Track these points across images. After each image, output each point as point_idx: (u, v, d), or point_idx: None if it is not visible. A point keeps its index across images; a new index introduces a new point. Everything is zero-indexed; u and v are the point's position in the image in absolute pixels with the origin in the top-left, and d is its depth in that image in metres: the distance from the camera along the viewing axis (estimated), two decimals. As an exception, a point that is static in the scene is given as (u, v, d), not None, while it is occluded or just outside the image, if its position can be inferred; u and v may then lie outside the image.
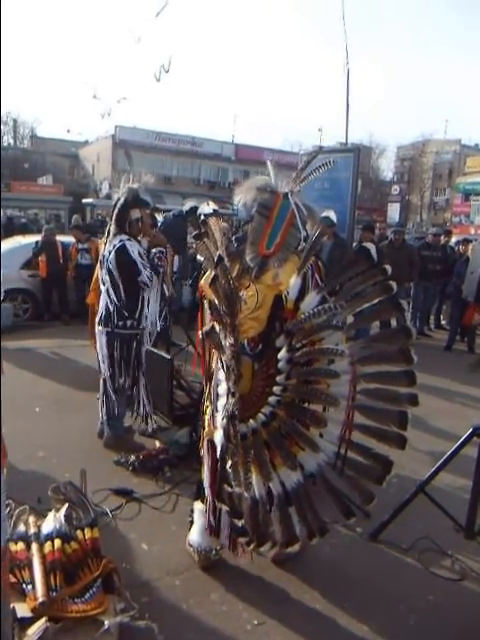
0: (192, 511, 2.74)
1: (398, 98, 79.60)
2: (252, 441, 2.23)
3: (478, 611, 2.47)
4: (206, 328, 2.25)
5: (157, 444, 3.81)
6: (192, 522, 2.68)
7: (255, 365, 2.29)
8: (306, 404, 2.31)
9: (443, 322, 9.30)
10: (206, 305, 2.41)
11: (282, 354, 2.22)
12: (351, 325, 2.27)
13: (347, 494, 2.35)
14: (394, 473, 2.39)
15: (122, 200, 3.63)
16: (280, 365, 2.22)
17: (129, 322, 3.67)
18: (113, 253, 3.56)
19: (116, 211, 3.65)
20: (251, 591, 2.46)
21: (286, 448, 2.25)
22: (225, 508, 2.29)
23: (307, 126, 69.44)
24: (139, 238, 3.75)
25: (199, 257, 2.33)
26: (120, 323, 3.66)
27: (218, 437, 2.27)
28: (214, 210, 2.23)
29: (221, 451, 2.24)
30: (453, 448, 2.78)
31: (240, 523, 2.27)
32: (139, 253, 3.59)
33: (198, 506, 2.63)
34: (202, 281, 2.42)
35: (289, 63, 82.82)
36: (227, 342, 2.13)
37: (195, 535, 2.62)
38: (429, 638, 2.30)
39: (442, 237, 8.95)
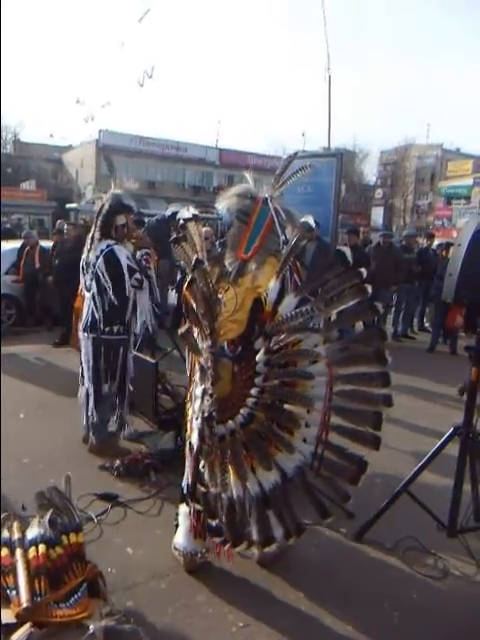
0: (177, 514, 2.74)
1: (381, 103, 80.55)
2: (229, 442, 2.25)
3: (460, 608, 2.51)
4: (182, 330, 2.27)
5: (142, 448, 3.81)
6: (177, 525, 2.69)
7: (235, 367, 2.31)
8: (284, 405, 2.33)
9: (426, 324, 9.40)
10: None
11: (260, 356, 2.24)
12: (328, 327, 2.31)
13: (324, 494, 2.38)
14: (378, 473, 2.43)
15: (107, 206, 3.64)
16: (258, 367, 2.25)
17: (117, 328, 3.67)
18: (101, 258, 3.56)
19: (101, 217, 3.66)
20: (237, 593, 2.47)
21: (263, 449, 2.27)
22: (198, 507, 2.30)
23: (291, 130, 70.04)
24: (125, 243, 3.76)
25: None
26: (107, 329, 3.65)
27: (194, 438, 2.30)
28: (194, 214, 2.26)
29: (196, 452, 2.27)
30: (435, 447, 2.82)
31: (214, 523, 2.29)
32: (127, 257, 3.60)
33: (183, 509, 2.63)
34: (185, 286, 2.42)
35: (273, 67, 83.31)
36: (204, 345, 2.14)
37: (180, 538, 2.62)
38: (412, 635, 2.33)
39: (417, 238, 9.07)
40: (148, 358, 4.37)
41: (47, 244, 8.57)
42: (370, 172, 44.14)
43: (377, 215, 33.96)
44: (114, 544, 2.79)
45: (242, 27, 79.44)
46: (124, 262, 3.56)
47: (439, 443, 2.82)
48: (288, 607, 2.42)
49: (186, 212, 2.27)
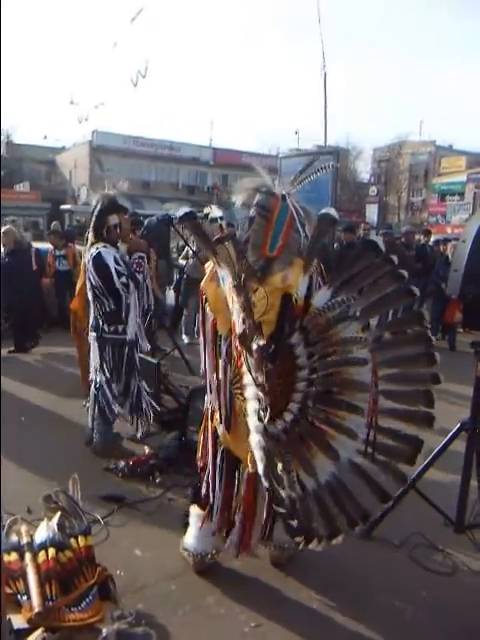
0: (186, 515, 2.73)
1: (373, 100, 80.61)
2: (286, 440, 2.23)
3: (470, 604, 2.51)
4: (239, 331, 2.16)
5: (146, 449, 3.80)
6: (186, 525, 2.67)
7: (269, 366, 2.28)
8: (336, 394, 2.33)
9: (424, 320, 9.41)
10: (207, 305, 2.36)
11: (300, 350, 2.24)
12: (365, 315, 2.31)
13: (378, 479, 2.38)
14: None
15: (99, 207, 3.64)
16: (300, 361, 2.24)
17: (120, 327, 3.67)
18: (90, 261, 3.59)
19: (93, 218, 3.67)
20: (247, 593, 2.46)
21: (324, 440, 2.27)
22: (281, 510, 2.15)
23: (284, 128, 69.94)
24: (118, 244, 3.75)
25: (181, 262, 2.33)
26: (109, 328, 3.66)
27: (255, 440, 2.06)
28: (221, 216, 2.23)
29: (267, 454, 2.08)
30: (441, 444, 2.82)
31: (295, 523, 2.19)
32: (115, 259, 3.58)
33: (194, 510, 2.60)
34: (202, 283, 2.35)
35: (265, 66, 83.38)
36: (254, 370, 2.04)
37: (190, 539, 2.60)
38: (424, 633, 2.33)
39: (416, 235, 9.08)
40: (150, 358, 4.36)
41: (43, 246, 8.55)
42: (364, 169, 44.19)
43: (371, 212, 33.94)
44: (122, 546, 2.77)
45: (234, 26, 79.41)
46: (111, 266, 3.54)
47: (445, 439, 2.81)
48: (300, 606, 2.42)
49: (217, 211, 2.24)
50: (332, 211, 2.32)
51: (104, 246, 3.59)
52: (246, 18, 78.36)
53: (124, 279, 3.58)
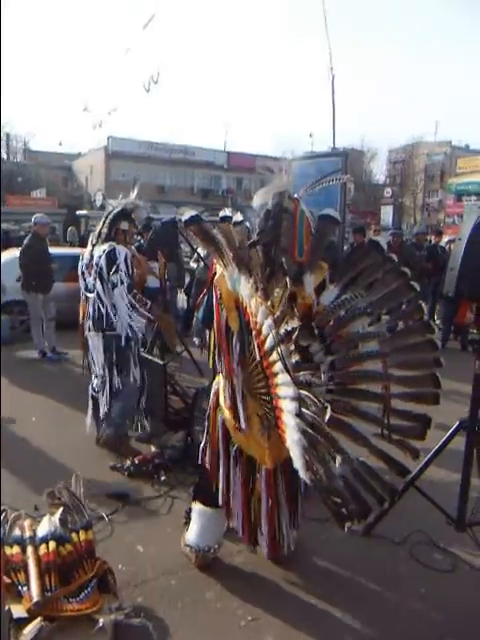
0: (188, 512, 2.77)
1: (388, 102, 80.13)
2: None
3: (469, 601, 2.51)
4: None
5: (152, 449, 3.85)
6: (188, 523, 2.71)
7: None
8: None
9: (437, 321, 9.35)
10: (221, 301, 2.35)
11: (315, 348, 2.28)
12: (372, 311, 2.37)
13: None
14: (386, 468, 2.44)
15: (117, 210, 3.85)
16: (317, 357, 2.29)
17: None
18: (103, 257, 3.72)
19: (109, 218, 3.85)
20: (246, 588, 2.49)
21: (352, 428, 2.33)
22: (337, 500, 2.25)
23: (299, 132, 69.56)
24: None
25: (193, 265, 2.38)
26: (108, 324, 3.78)
27: (295, 438, 1.98)
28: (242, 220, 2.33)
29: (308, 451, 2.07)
30: (440, 442, 2.83)
31: (345, 512, 2.29)
32: (125, 258, 3.73)
33: (197, 507, 2.64)
34: (217, 276, 2.34)
35: (279, 69, 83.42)
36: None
37: (193, 535, 2.64)
38: (422, 629, 2.33)
39: (427, 236, 9.03)
40: (157, 359, 4.41)
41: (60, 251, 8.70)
42: (379, 171, 43.99)
43: (387, 214, 33.70)
44: (125, 542, 2.82)
45: (246, 29, 79.63)
46: (122, 263, 3.71)
47: (444, 438, 2.82)
48: (296, 601, 2.44)
49: (239, 215, 2.36)
50: (332, 212, 2.38)
51: (117, 245, 3.76)
52: (259, 20, 78.52)
53: (122, 274, 3.70)
